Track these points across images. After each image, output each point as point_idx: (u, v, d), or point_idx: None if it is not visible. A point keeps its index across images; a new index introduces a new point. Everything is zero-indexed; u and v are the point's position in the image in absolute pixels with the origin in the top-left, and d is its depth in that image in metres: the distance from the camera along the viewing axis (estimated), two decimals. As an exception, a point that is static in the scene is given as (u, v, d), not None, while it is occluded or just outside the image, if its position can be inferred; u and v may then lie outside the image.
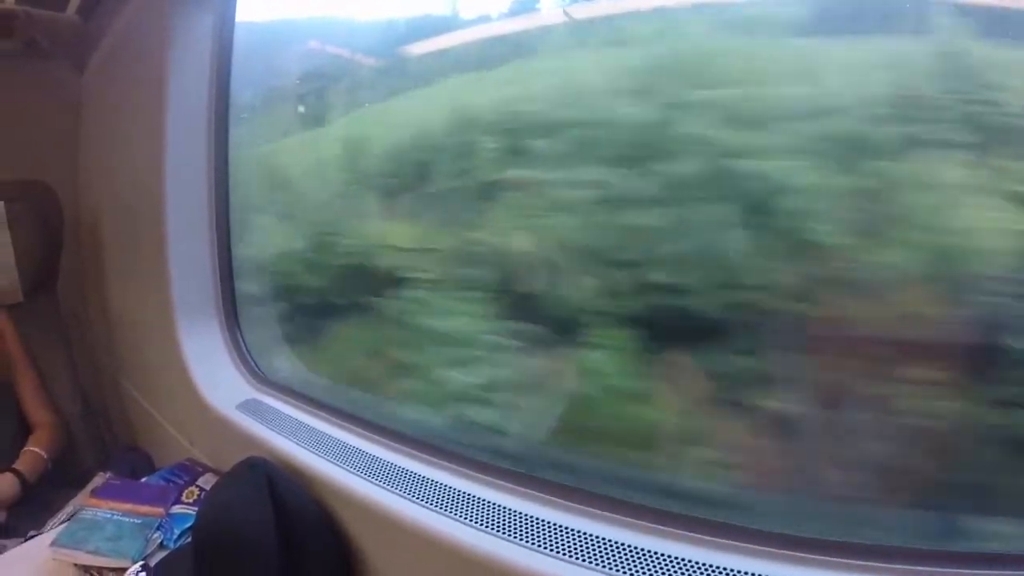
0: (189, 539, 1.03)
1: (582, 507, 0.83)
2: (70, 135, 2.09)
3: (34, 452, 1.45)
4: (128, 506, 1.09)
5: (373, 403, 1.23)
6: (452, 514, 0.84)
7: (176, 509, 1.11)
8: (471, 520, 0.83)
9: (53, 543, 1.02)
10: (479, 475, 0.94)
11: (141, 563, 0.98)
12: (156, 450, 1.61)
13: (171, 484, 1.18)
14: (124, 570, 0.96)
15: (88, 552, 1.00)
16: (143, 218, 1.47)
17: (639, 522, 0.76)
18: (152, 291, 1.45)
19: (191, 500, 1.13)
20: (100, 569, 0.99)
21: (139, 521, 1.06)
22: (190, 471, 1.23)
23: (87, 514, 1.08)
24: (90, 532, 1.04)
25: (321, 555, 0.92)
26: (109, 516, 1.07)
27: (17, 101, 1.97)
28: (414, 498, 0.89)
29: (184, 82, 1.35)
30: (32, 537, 1.17)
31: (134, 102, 1.55)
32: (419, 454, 1.02)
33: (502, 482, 0.91)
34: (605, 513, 0.79)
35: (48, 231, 1.78)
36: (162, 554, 1.03)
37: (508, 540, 0.78)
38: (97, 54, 1.90)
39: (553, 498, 0.86)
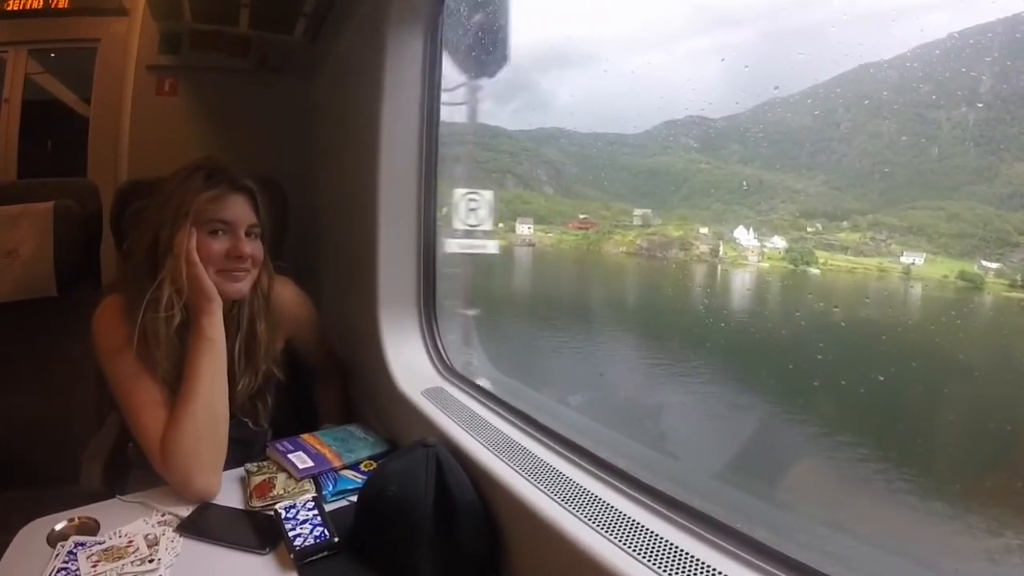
0: (346, 500, 1.15)
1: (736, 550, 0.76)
2: (296, 138, 2.27)
3: None
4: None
5: (547, 406, 1.24)
6: (597, 526, 0.82)
7: (346, 473, 1.22)
8: (617, 537, 0.80)
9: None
10: (634, 494, 0.91)
11: (313, 496, 1.11)
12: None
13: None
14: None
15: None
16: (357, 213, 1.59)
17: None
18: (360, 278, 1.57)
19: (367, 470, 1.24)
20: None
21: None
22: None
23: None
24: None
25: (470, 531, 0.97)
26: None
27: (251, 109, 2.31)
28: (565, 503, 0.88)
29: (398, 95, 1.45)
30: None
31: (353, 112, 1.65)
32: (578, 461, 1.02)
33: (657, 507, 0.87)
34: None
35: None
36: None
37: (647, 566, 0.74)
38: (321, 70, 2.15)
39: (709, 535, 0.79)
